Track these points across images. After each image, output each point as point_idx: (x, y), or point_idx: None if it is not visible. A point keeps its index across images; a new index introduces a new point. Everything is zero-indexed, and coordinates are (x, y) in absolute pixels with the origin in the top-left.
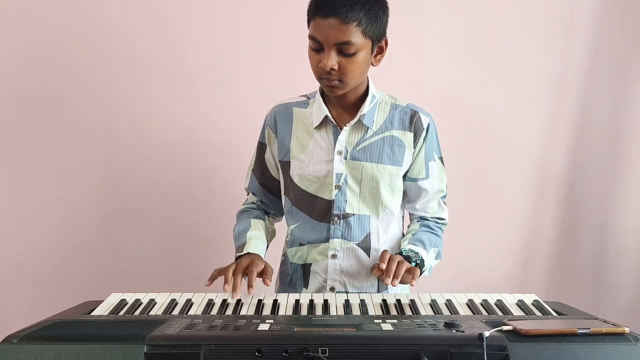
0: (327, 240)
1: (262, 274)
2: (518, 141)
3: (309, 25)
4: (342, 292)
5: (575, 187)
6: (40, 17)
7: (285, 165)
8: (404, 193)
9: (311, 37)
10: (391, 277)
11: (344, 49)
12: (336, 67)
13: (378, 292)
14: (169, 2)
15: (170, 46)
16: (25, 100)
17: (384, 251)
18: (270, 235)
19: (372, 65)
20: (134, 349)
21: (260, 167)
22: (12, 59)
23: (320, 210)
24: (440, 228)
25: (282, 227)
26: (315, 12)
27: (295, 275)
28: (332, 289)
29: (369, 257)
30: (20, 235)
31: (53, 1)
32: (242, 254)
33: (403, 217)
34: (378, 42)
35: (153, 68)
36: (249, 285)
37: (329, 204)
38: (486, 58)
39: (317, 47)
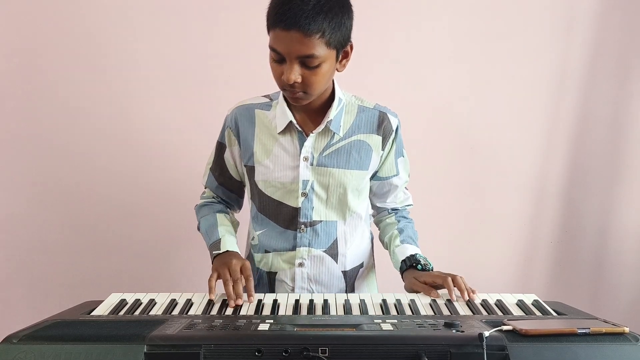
0: (293, 248)
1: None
2: (518, 141)
3: (268, 32)
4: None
5: (575, 187)
6: (28, 16)
7: (250, 170)
8: (371, 189)
9: (272, 48)
10: (469, 291)
11: (307, 62)
12: (299, 80)
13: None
14: (162, 3)
15: (166, 47)
16: (25, 100)
17: (443, 278)
18: (235, 227)
19: (338, 70)
20: (134, 349)
21: (219, 167)
22: (4, 58)
23: (286, 218)
24: (409, 213)
25: (242, 224)
26: (276, 23)
27: (262, 281)
28: None
29: (337, 263)
30: (20, 235)
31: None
32: (221, 252)
33: (370, 215)
34: (343, 48)
35: (148, 70)
36: (249, 295)
37: (295, 211)
38: (486, 58)
39: (279, 59)
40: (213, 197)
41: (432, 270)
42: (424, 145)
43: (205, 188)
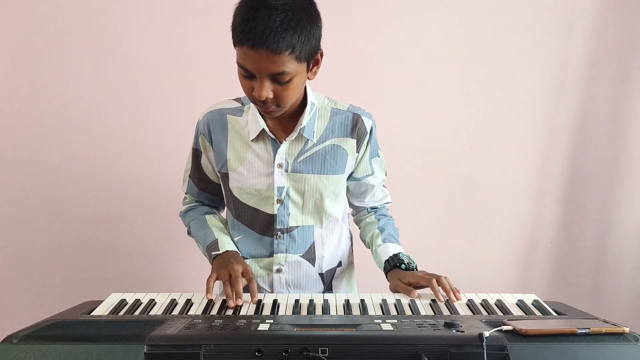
0: (270, 255)
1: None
2: (518, 141)
3: (235, 47)
4: None
5: (575, 187)
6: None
7: (225, 177)
8: (348, 189)
9: (240, 65)
10: (454, 292)
11: (278, 78)
12: (271, 96)
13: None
14: (161, 4)
15: (168, 45)
16: (25, 100)
17: (427, 279)
18: (226, 226)
19: (309, 79)
20: (134, 349)
21: (197, 173)
22: (8, 57)
23: (262, 224)
24: (388, 210)
25: None
26: (242, 40)
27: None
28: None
29: (314, 266)
30: (20, 235)
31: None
32: (220, 252)
33: (348, 214)
34: (313, 58)
35: (153, 69)
36: (252, 296)
37: (271, 218)
38: (486, 58)
39: (248, 75)
40: (196, 202)
41: (416, 268)
42: (424, 146)
43: (185, 194)
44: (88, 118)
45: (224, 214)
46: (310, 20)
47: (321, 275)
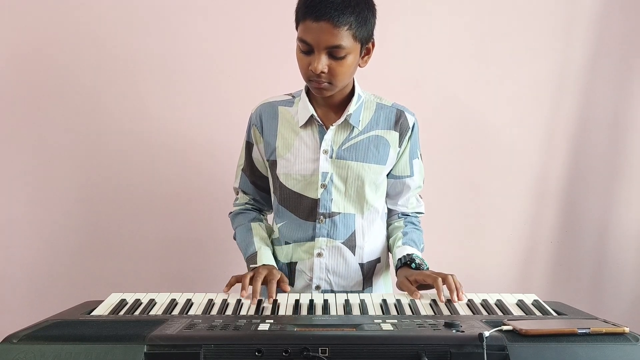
0: (312, 239)
1: (279, 282)
2: (518, 141)
3: (297, 27)
4: (327, 290)
5: (575, 187)
6: (32, 17)
7: (272, 165)
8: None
9: (301, 40)
10: (458, 291)
11: (334, 53)
12: (326, 70)
13: (363, 291)
14: (164, 2)
15: (167, 47)
16: (25, 100)
17: (433, 278)
18: (270, 234)
19: (360, 66)
20: (134, 349)
21: (249, 166)
22: (8, 59)
23: (305, 209)
24: (419, 221)
25: None
26: (306, 14)
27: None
28: (317, 288)
29: (354, 255)
30: (20, 235)
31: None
32: (257, 265)
33: (386, 213)
34: (366, 44)
35: (151, 70)
36: (270, 296)
37: (315, 202)
38: (487, 58)
39: (307, 50)
40: (246, 203)
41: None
42: (424, 145)
43: (237, 193)
44: (90, 119)
45: (270, 218)
46: (367, 6)
47: (361, 265)
